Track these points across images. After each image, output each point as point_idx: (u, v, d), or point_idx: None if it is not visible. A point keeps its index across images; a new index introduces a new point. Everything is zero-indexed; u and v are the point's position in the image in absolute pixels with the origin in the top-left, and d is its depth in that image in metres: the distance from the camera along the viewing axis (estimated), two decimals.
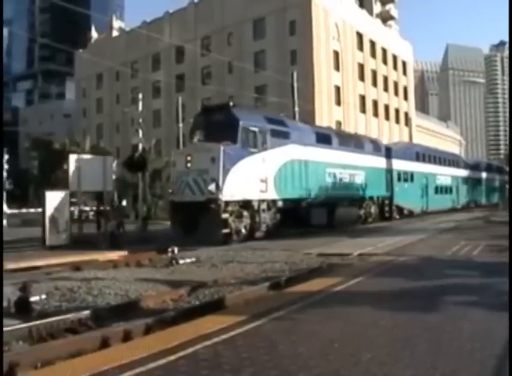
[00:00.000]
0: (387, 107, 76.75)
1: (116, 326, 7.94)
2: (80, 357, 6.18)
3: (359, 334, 6.81)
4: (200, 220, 20.64)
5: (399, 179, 37.97)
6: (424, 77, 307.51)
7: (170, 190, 23.71)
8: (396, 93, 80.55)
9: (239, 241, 21.45)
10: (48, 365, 6.13)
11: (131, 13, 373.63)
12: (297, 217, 25.23)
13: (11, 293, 10.30)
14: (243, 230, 22.04)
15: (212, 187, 20.47)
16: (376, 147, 35.43)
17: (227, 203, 20.93)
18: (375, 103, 73.63)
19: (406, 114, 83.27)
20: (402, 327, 7.12)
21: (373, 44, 74.08)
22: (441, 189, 47.87)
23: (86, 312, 8.89)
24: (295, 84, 37.36)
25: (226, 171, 20.87)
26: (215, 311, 8.51)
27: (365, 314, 7.93)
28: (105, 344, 7.07)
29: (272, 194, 23.43)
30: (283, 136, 24.62)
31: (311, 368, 5.43)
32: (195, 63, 71.00)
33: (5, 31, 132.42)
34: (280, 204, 24.05)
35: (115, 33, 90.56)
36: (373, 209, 33.82)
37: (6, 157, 43.02)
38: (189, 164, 21.64)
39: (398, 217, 36.83)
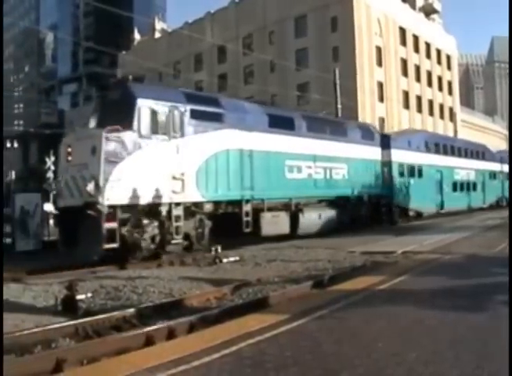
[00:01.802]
0: (431, 103, 75.56)
1: (160, 324, 7.99)
2: (125, 354, 6.25)
3: (403, 333, 6.73)
4: (79, 231, 15.71)
5: (402, 174, 31.55)
6: (469, 71, 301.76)
7: (53, 192, 19.18)
8: (440, 88, 79.22)
9: (143, 259, 16.46)
10: (93, 362, 6.23)
11: (173, 14, 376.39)
12: (239, 225, 19.43)
13: (58, 291, 10.51)
14: (144, 244, 16.34)
15: (90, 187, 15.13)
16: (367, 135, 28.55)
17: (115, 208, 15.45)
18: (418, 99, 72.55)
19: (451, 109, 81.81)
20: (447, 327, 7.00)
21: (416, 38, 73.00)
22: (462, 186, 40.79)
23: (131, 311, 8.98)
24: (337, 81, 37.11)
25: (111, 166, 15.45)
26: (258, 309, 8.51)
27: (409, 313, 7.82)
28: (149, 342, 7.13)
29: (192, 195, 17.80)
30: (212, 119, 18.92)
31: (355, 367, 5.39)
32: (237, 62, 71.14)
33: (51, 36, 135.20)
34: (209, 208, 18.66)
35: (157, 34, 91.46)
36: (364, 211, 26.91)
37: (53, 158, 43.84)
38: (69, 158, 16.62)
39: (399, 220, 30.38)
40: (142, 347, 6.83)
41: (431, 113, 75.34)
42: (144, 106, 16.62)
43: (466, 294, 9.06)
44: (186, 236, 17.61)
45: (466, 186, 41.44)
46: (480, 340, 6.27)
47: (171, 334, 7.52)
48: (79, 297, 9.57)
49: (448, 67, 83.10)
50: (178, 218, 17.07)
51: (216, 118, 19.14)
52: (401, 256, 15.01)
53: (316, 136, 23.78)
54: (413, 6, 78.72)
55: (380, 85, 64.27)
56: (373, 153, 28.49)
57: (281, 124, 22.07)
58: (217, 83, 71.76)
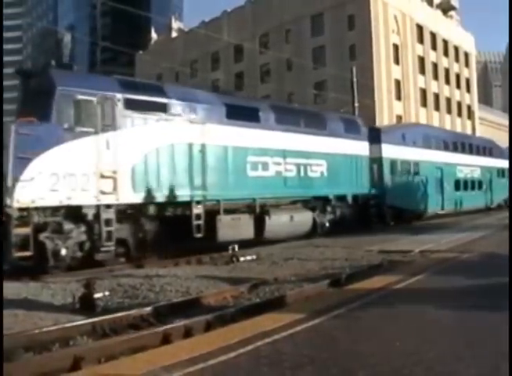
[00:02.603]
0: (448, 100, 74.99)
1: (177, 322, 8.02)
2: (142, 353, 6.28)
3: (421, 333, 6.69)
4: None
5: (395, 171, 28.84)
6: (488, 69, 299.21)
7: None
8: (458, 86, 78.61)
9: (67, 268, 14.46)
10: (111, 360, 6.27)
11: (189, 14, 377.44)
12: (190, 230, 17.01)
13: (75, 289, 10.58)
14: (64, 252, 14.03)
15: None
16: (352, 128, 25.46)
17: (28, 211, 13.58)
18: (436, 97, 72.05)
19: (469, 107, 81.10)
20: (465, 326, 6.95)
21: (433, 36, 72.49)
22: (465, 184, 37.57)
23: (148, 309, 9.02)
24: (354, 80, 36.97)
25: (23, 164, 13.53)
26: (275, 308, 8.51)
27: (427, 312, 7.77)
28: (166, 340, 7.17)
29: (128, 196, 15.53)
30: (155, 109, 16.76)
31: (372, 366, 5.37)
32: (254, 61, 71.11)
33: (68, 36, 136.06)
34: (151, 210, 16.43)
35: (174, 34, 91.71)
36: (348, 213, 24.21)
37: None
38: None
39: (392, 223, 27.77)
40: (159, 345, 6.86)
41: (449, 111, 74.79)
42: (65, 96, 14.54)
43: (484, 293, 8.98)
44: (123, 243, 15.59)
45: (470, 185, 38.48)
46: (498, 339, 6.21)
47: (187, 333, 7.55)
48: (96, 295, 9.63)
49: (467, 65, 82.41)
50: (108, 221, 14.83)
51: (159, 109, 16.90)
52: (418, 255, 14.94)
53: (287, 129, 21.16)
54: (431, 3, 78.13)
55: (398, 83, 63.92)
56: (359, 148, 25.51)
57: (242, 115, 19.52)
58: (233, 82, 71.83)
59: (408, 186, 29.79)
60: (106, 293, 10.19)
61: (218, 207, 17.97)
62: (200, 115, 17.99)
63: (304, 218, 21.40)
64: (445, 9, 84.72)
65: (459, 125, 75.64)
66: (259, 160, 19.99)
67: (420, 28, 69.36)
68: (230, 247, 16.48)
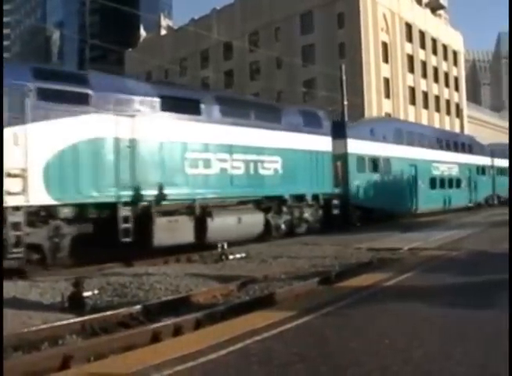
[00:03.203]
0: (437, 99, 75.30)
1: (167, 321, 8.01)
2: (131, 351, 6.27)
3: (410, 330, 6.71)
4: None
5: (362, 169, 27.01)
6: (476, 67, 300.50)
7: None
8: (447, 84, 78.93)
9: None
10: (100, 358, 6.24)
11: (179, 12, 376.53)
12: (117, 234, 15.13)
13: (64, 288, 10.54)
14: None
15: None
16: (312, 121, 23.16)
17: None
18: (425, 95, 72.32)
19: (457, 105, 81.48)
20: (454, 324, 6.98)
21: (422, 34, 72.73)
22: (442, 182, 35.51)
23: (137, 307, 9.01)
24: (344, 78, 37.00)
25: None
26: (265, 306, 8.52)
27: (416, 310, 7.81)
28: (156, 338, 7.17)
29: (40, 197, 13.78)
30: (74, 101, 14.86)
31: (362, 364, 5.39)
32: (243, 59, 71.08)
33: (57, 34, 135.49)
34: (68, 212, 14.58)
35: (163, 31, 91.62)
36: (308, 214, 22.16)
37: None
38: None
39: (359, 224, 25.48)
40: (149, 344, 6.86)
41: (438, 109, 75.10)
42: None
43: (473, 290, 9.03)
44: (37, 248, 13.95)
45: (448, 183, 36.37)
46: (487, 337, 6.25)
47: (177, 331, 7.55)
48: (86, 294, 9.61)
49: (455, 63, 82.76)
50: (16, 225, 13.14)
51: (80, 100, 15.01)
52: (407, 253, 15.00)
53: (235, 122, 19.17)
54: (419, 2, 78.38)
55: (387, 81, 64.10)
56: (321, 143, 23.25)
57: (181, 107, 17.63)
58: (223, 80, 71.78)
59: (377, 184, 27.96)
60: (96, 291, 10.16)
61: (152, 209, 16.08)
62: (129, 107, 16.06)
63: (253, 220, 19.38)
64: (434, 7, 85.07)
65: (447, 123, 75.97)
66: (200, 156, 18.01)
67: (408, 27, 69.57)
68: (219, 245, 16.46)
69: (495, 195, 44.91)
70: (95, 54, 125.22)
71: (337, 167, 24.29)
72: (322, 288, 10.37)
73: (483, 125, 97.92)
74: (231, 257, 15.55)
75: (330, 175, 23.64)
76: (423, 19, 73.21)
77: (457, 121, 79.71)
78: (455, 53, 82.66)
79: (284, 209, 21.15)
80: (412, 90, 69.55)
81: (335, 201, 23.67)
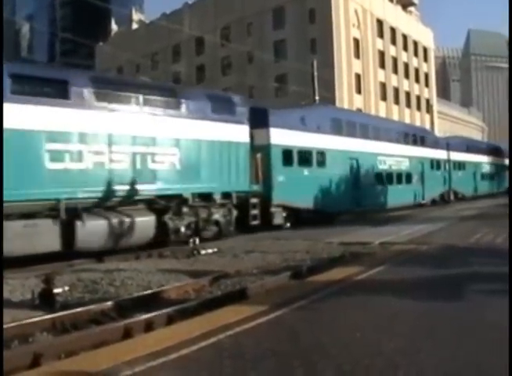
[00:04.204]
0: (408, 94, 76.08)
1: (138, 317, 7.98)
2: (103, 348, 6.22)
3: (381, 324, 6.78)
4: None
5: (289, 162, 23.42)
6: (446, 64, 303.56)
7: None
8: (417, 80, 79.77)
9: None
10: (71, 356, 6.19)
11: (150, 5, 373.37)
12: None
13: (34, 285, 10.42)
14: None
15: None
16: (223, 107, 19.92)
17: None
18: (396, 91, 73.00)
19: (428, 101, 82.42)
20: (424, 317, 7.06)
21: (393, 31, 73.36)
22: (389, 177, 32.25)
23: (109, 304, 8.94)
24: (315, 73, 37.16)
25: None
26: (237, 301, 8.53)
27: (387, 303, 7.88)
28: (127, 334, 7.13)
29: None
30: None
31: (334, 357, 5.42)
32: (215, 53, 70.93)
33: (27, 26, 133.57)
34: None
35: (135, 25, 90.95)
36: (218, 215, 19.24)
37: None
38: None
39: (288, 225, 22.82)
40: (121, 340, 6.81)
41: (408, 104, 75.89)
42: None
43: (443, 284, 9.14)
44: None
45: (396, 178, 33.16)
46: (457, 329, 6.34)
47: (149, 327, 7.52)
48: (56, 290, 9.50)
49: (425, 59, 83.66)
50: None
51: None
52: (378, 247, 15.10)
53: (116, 108, 16.29)
54: None
55: (358, 77, 64.53)
56: (234, 133, 20.16)
57: (40, 89, 14.83)
58: (195, 74, 71.54)
59: (308, 180, 24.26)
60: (66, 288, 10.05)
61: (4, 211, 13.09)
62: None
63: (141, 223, 16.41)
64: (405, 4, 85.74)
65: (418, 119, 76.79)
66: (66, 148, 15.02)
67: (380, 23, 70.12)
68: (191, 241, 16.40)
69: (452, 191, 42.24)
70: (66, 48, 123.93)
71: (257, 160, 20.94)
72: (294, 283, 10.39)
73: (453, 121, 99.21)
74: (203, 252, 15.52)
75: (247, 170, 20.37)
76: (394, 16, 73.86)
77: (427, 117, 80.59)
78: (425, 50, 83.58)
79: (185, 210, 18.08)
80: (383, 86, 70.15)
81: (253, 200, 20.57)
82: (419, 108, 79.14)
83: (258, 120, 21.78)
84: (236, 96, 22.23)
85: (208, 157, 18.95)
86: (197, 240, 16.39)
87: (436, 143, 40.50)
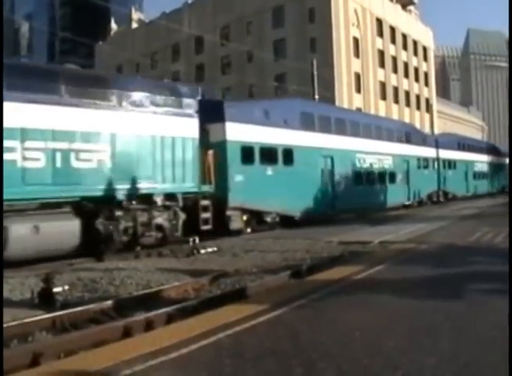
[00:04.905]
0: (407, 94, 76.07)
1: (138, 316, 7.97)
2: (102, 347, 6.21)
3: (381, 323, 6.77)
4: None
5: (248, 161, 21.18)
6: (445, 63, 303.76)
7: None
8: (417, 79, 79.76)
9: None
10: (71, 355, 6.19)
11: (150, 5, 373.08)
12: None
13: (34, 284, 10.42)
14: None
15: None
16: (166, 99, 17.72)
17: None
18: (395, 90, 72.99)
19: (427, 100, 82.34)
20: (424, 315, 7.06)
21: (393, 30, 73.34)
22: (370, 177, 30.02)
23: (108, 303, 8.94)
24: (315, 72, 37.15)
25: None
26: (237, 300, 8.53)
27: (387, 302, 7.88)
28: (127, 334, 7.13)
29: None
30: None
31: (333, 357, 5.41)
32: (214, 52, 70.89)
33: (26, 26, 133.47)
34: None
35: (134, 25, 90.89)
36: (162, 219, 17.08)
37: None
38: None
39: (249, 230, 20.87)
40: (120, 339, 6.81)
41: (408, 104, 75.88)
42: None
43: (443, 283, 9.14)
44: None
45: (378, 178, 30.86)
46: (457, 328, 6.34)
47: (148, 326, 7.52)
48: (56, 289, 9.49)
49: (425, 59, 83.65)
50: None
51: None
52: (378, 246, 15.10)
53: (31, 99, 14.21)
54: None
55: (358, 76, 64.51)
56: (181, 127, 17.97)
57: None
58: (194, 74, 71.52)
59: (273, 180, 21.94)
60: (66, 287, 10.05)
61: None
62: None
63: (60, 230, 14.38)
64: (405, 3, 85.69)
65: (417, 118, 76.81)
66: None
67: (379, 22, 70.09)
68: (191, 240, 16.38)
69: (441, 191, 40.13)
70: (65, 47, 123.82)
71: (208, 158, 18.84)
72: (294, 282, 10.39)
73: (453, 120, 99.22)
74: (202, 251, 15.51)
75: (195, 169, 18.20)
76: (393, 15, 73.83)
77: (427, 116, 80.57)
78: (425, 49, 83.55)
79: (119, 213, 16.01)
80: (383, 85, 70.14)
81: (204, 202, 18.41)
82: (418, 107, 79.14)
83: (214, 113, 19.98)
84: (184, 86, 20.07)
85: (147, 154, 16.87)
86: (197, 239, 16.36)
87: (424, 140, 38.59)
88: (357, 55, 64.69)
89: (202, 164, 18.54)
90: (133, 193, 16.37)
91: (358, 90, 64.35)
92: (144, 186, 16.60)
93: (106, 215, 15.63)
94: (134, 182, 16.30)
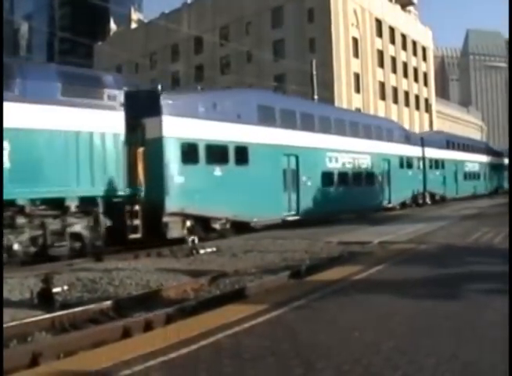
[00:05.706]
0: (406, 94, 76.00)
1: (137, 316, 7.98)
2: (102, 347, 6.22)
3: (380, 323, 6.77)
4: None
5: (191, 160, 18.52)
6: (445, 63, 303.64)
7: None
8: (416, 79, 79.69)
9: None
10: (70, 355, 6.19)
11: (149, 5, 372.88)
12: None
13: (33, 284, 10.42)
14: None
15: None
16: (81, 89, 15.75)
17: None
18: (394, 90, 72.92)
19: (426, 100, 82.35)
20: (423, 316, 7.06)
21: (392, 30, 73.28)
22: (343, 178, 27.10)
23: (108, 303, 8.94)
24: (314, 72, 37.14)
25: None
26: (236, 300, 8.53)
27: (386, 302, 7.88)
28: (126, 334, 7.13)
29: None
30: None
31: (332, 357, 5.42)
32: (213, 53, 70.85)
33: (26, 26, 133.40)
34: None
35: (134, 25, 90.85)
36: (80, 227, 15.48)
37: None
38: None
39: (194, 238, 16.01)
40: (120, 339, 6.81)
41: (407, 104, 75.80)
42: None
43: (442, 283, 9.14)
44: None
45: (352, 179, 27.96)
46: (456, 328, 6.34)
47: (148, 326, 7.52)
48: (55, 290, 9.49)
49: (424, 59, 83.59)
50: None
51: None
52: (377, 246, 15.09)
53: None
54: None
55: (357, 76, 64.45)
56: (100, 121, 16.01)
57: None
58: (193, 74, 71.47)
59: (222, 182, 19.42)
60: (65, 287, 10.05)
61: None
62: None
63: None
64: (404, 3, 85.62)
65: (417, 118, 76.79)
66: None
67: (379, 22, 70.03)
68: (190, 240, 16.35)
69: (428, 192, 37.50)
70: (65, 47, 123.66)
71: (137, 157, 16.88)
72: (293, 282, 10.39)
73: (452, 120, 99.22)
74: (202, 251, 15.50)
75: (120, 170, 16.46)
76: (393, 15, 73.78)
77: (426, 116, 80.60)
78: (424, 49, 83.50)
79: (22, 221, 14.15)
80: (382, 85, 70.08)
81: (135, 207, 16.60)
82: (418, 107, 79.07)
83: (150, 106, 17.64)
84: (107, 75, 18.03)
85: (56, 152, 14.86)
86: (196, 240, 16.34)
87: (407, 139, 35.58)
88: (356, 55, 64.64)
89: (132, 164, 16.72)
90: (37, 198, 14.48)
91: (358, 90, 64.31)
92: (53, 189, 14.62)
93: (7, 223, 13.70)
94: (40, 184, 14.32)
